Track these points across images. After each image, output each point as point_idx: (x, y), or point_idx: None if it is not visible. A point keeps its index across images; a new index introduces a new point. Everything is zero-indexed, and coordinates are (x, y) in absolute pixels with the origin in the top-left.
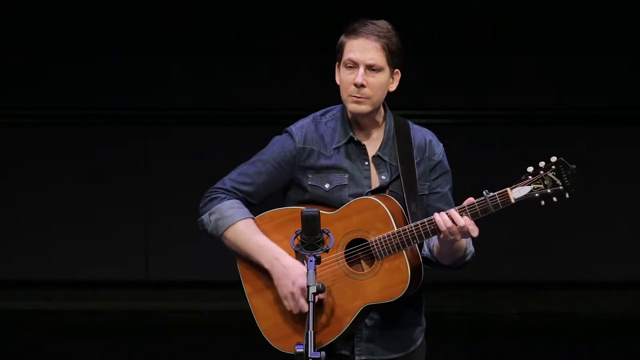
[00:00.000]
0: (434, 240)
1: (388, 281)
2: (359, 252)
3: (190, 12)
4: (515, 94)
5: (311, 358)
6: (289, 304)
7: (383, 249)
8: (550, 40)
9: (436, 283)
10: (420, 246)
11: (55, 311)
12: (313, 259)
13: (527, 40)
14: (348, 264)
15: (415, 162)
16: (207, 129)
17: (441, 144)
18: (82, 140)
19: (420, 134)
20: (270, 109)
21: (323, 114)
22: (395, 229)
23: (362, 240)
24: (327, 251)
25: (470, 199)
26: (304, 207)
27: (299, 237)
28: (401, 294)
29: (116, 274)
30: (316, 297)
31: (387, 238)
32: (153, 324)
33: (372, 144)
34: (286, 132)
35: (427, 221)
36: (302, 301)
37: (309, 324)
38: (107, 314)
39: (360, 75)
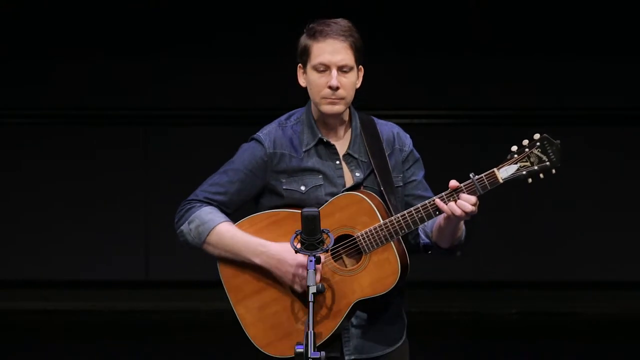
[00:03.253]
0: (430, 225)
1: (378, 274)
2: (346, 248)
3: (190, 12)
4: (517, 94)
5: (311, 358)
6: (298, 286)
7: (371, 243)
8: (552, 40)
9: (436, 283)
10: (416, 236)
11: (55, 311)
12: (313, 259)
13: (528, 40)
14: (335, 261)
15: (387, 155)
16: (207, 129)
17: (408, 135)
18: (82, 140)
19: (387, 128)
20: (270, 109)
21: (287, 118)
22: (382, 221)
23: (348, 236)
24: (327, 251)
25: (454, 182)
26: (281, 210)
27: (299, 237)
28: (393, 285)
29: (116, 274)
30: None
31: (374, 231)
32: (153, 324)
33: (341, 143)
34: (254, 139)
35: (422, 207)
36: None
37: (308, 324)
38: (107, 314)
39: (334, 77)
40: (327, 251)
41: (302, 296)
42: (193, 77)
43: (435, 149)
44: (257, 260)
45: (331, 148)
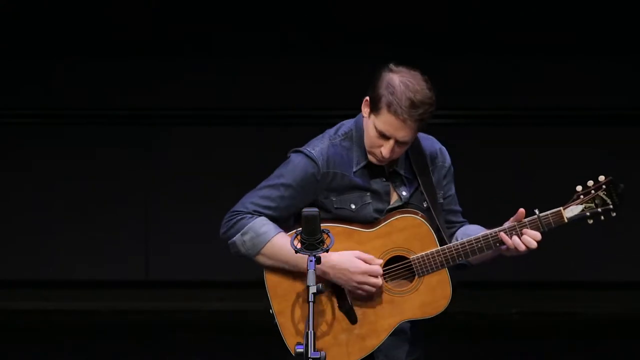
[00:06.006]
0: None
1: (430, 297)
2: (399, 269)
3: (191, 12)
4: (518, 94)
5: (311, 358)
6: (364, 291)
7: (426, 267)
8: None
9: None
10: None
11: (55, 311)
12: (313, 259)
13: (531, 41)
14: (386, 281)
15: (430, 170)
16: (208, 129)
17: (444, 149)
18: (83, 140)
19: (429, 143)
20: (271, 109)
21: (336, 132)
22: (439, 246)
23: (402, 258)
24: (327, 251)
25: (522, 212)
26: (331, 224)
27: (299, 237)
28: (443, 309)
29: (116, 274)
30: (381, 272)
31: (430, 256)
32: (153, 324)
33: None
34: (306, 155)
35: (482, 237)
36: (373, 280)
37: (309, 324)
38: (107, 314)
39: (388, 150)
40: (327, 251)
41: (350, 309)
42: (194, 77)
43: None
44: (317, 273)
45: (379, 166)
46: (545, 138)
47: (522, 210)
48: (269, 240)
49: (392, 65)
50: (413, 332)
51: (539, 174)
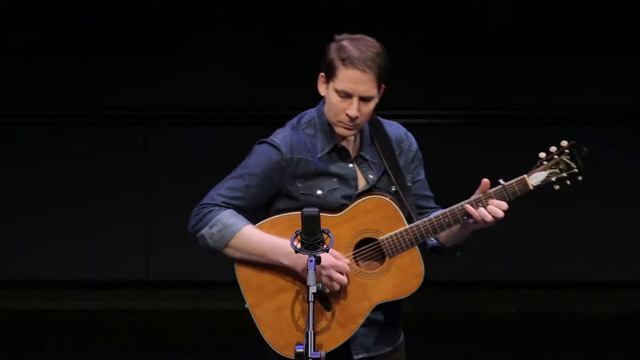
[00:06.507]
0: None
1: (402, 277)
2: (369, 251)
3: (190, 12)
4: (518, 94)
5: (311, 358)
6: (329, 286)
7: (395, 246)
8: (552, 40)
9: (437, 283)
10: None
11: (55, 311)
12: (313, 259)
13: (531, 41)
14: (357, 264)
15: (396, 155)
16: (207, 129)
17: (410, 133)
18: (82, 140)
19: (394, 128)
20: (270, 109)
21: (299, 121)
22: (407, 225)
23: (371, 240)
24: (327, 251)
25: (486, 182)
26: (297, 212)
27: (299, 237)
28: (416, 288)
29: (116, 274)
30: (347, 268)
31: (399, 235)
32: (153, 324)
33: (352, 145)
34: (269, 144)
35: (450, 212)
36: (338, 275)
37: (309, 324)
38: (107, 314)
39: (354, 108)
40: (327, 251)
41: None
42: (193, 77)
43: (434, 148)
44: (285, 262)
45: (344, 151)
46: (545, 138)
47: (485, 180)
48: (236, 232)
49: (335, 36)
50: (390, 322)
51: None
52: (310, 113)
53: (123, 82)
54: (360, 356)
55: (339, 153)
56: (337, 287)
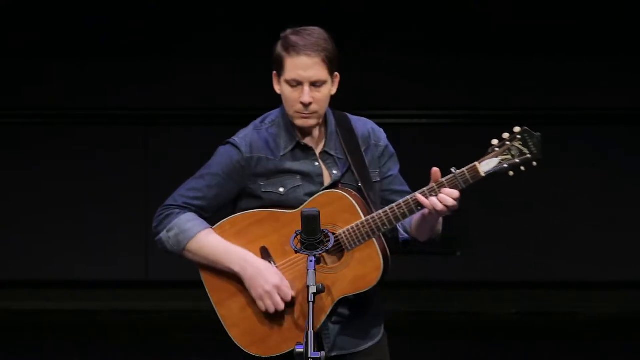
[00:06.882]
0: (408, 221)
1: (361, 271)
2: None
3: (190, 12)
4: (517, 94)
5: (311, 358)
6: (264, 303)
7: (353, 240)
8: (552, 40)
9: (437, 283)
10: (394, 230)
11: (55, 311)
12: (313, 259)
13: (531, 41)
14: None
15: (362, 150)
16: (207, 129)
17: (382, 129)
18: (82, 140)
19: (361, 124)
20: (270, 109)
21: (262, 121)
22: (363, 217)
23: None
24: (327, 251)
25: (437, 172)
26: (262, 210)
27: (298, 237)
28: (376, 282)
29: (116, 274)
30: (290, 297)
31: (355, 228)
32: (153, 324)
33: (317, 142)
34: (230, 143)
35: (404, 202)
36: (278, 299)
37: (309, 324)
38: (107, 314)
39: (306, 94)
40: (327, 251)
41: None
42: (193, 77)
43: (434, 148)
44: (236, 269)
45: (308, 149)
46: (545, 138)
47: (435, 169)
48: (192, 238)
49: (280, 34)
50: (366, 319)
51: (537, 174)
52: (275, 113)
53: (123, 82)
54: (334, 354)
55: (303, 150)
56: (272, 308)
